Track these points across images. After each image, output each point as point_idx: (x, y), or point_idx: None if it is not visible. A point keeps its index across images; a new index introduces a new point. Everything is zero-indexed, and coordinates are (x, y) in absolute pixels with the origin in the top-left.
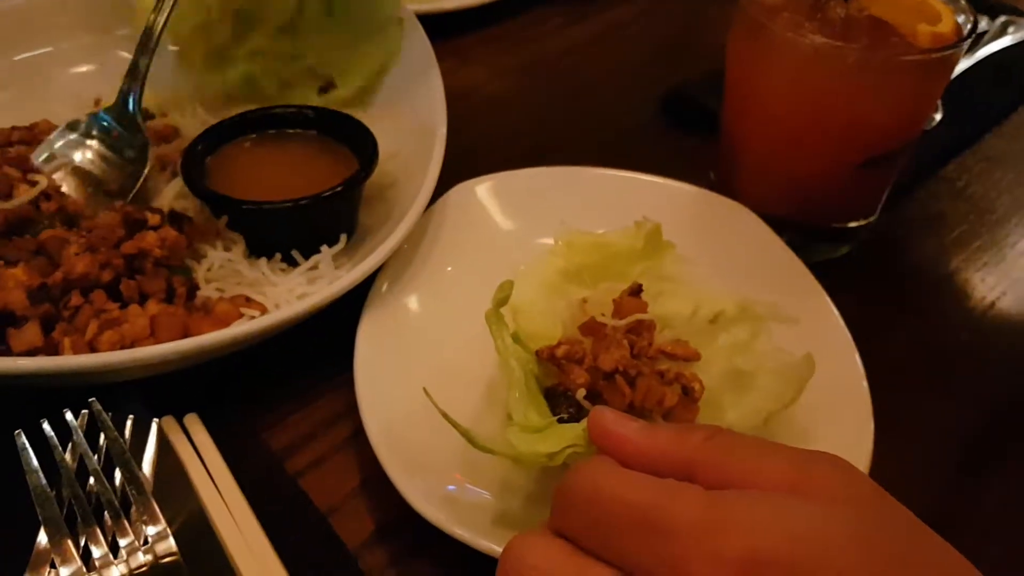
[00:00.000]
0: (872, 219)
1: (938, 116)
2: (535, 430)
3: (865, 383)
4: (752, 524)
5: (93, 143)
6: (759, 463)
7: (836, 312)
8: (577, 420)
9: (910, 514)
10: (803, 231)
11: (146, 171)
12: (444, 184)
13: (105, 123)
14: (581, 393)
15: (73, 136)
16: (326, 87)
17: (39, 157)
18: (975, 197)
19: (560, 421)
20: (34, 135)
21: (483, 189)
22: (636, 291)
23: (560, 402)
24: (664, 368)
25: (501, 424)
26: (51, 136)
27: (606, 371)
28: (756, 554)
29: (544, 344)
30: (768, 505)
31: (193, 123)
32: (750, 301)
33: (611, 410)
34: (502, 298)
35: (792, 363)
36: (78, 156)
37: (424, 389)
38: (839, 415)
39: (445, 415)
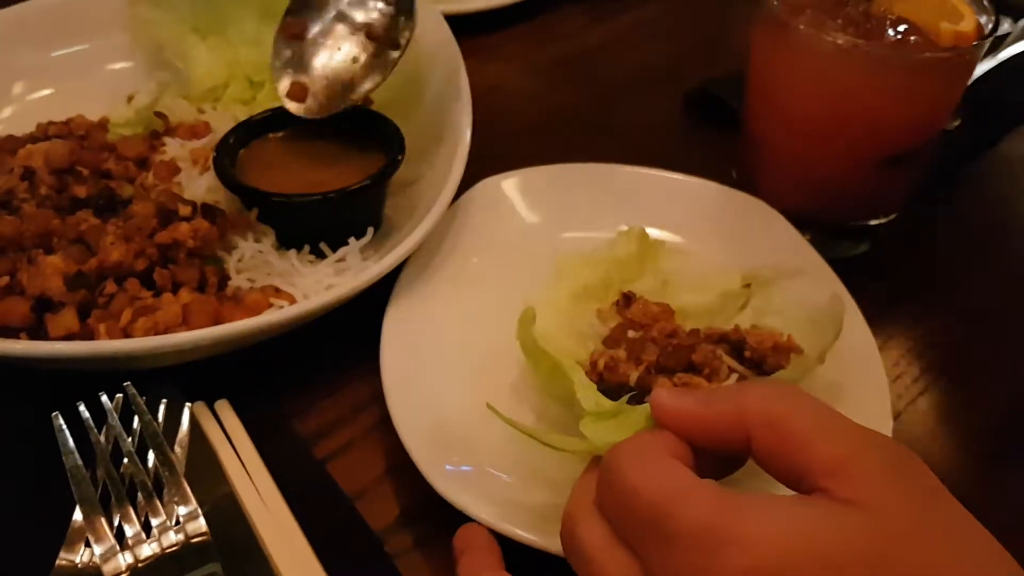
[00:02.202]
0: (892, 218)
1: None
2: (610, 415)
3: (885, 377)
4: (755, 538)
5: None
6: (810, 438)
7: (856, 307)
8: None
9: (962, 515)
10: (823, 228)
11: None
12: (468, 180)
13: None
14: (634, 377)
15: None
16: None
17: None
18: (995, 197)
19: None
20: (70, 130)
21: (509, 184)
22: (628, 301)
23: (619, 393)
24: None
25: (537, 417)
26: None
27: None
28: (755, 571)
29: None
30: (778, 517)
31: (225, 119)
32: (754, 269)
33: (669, 387)
34: (527, 320)
35: (821, 308)
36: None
37: (488, 404)
38: (858, 408)
39: (511, 422)
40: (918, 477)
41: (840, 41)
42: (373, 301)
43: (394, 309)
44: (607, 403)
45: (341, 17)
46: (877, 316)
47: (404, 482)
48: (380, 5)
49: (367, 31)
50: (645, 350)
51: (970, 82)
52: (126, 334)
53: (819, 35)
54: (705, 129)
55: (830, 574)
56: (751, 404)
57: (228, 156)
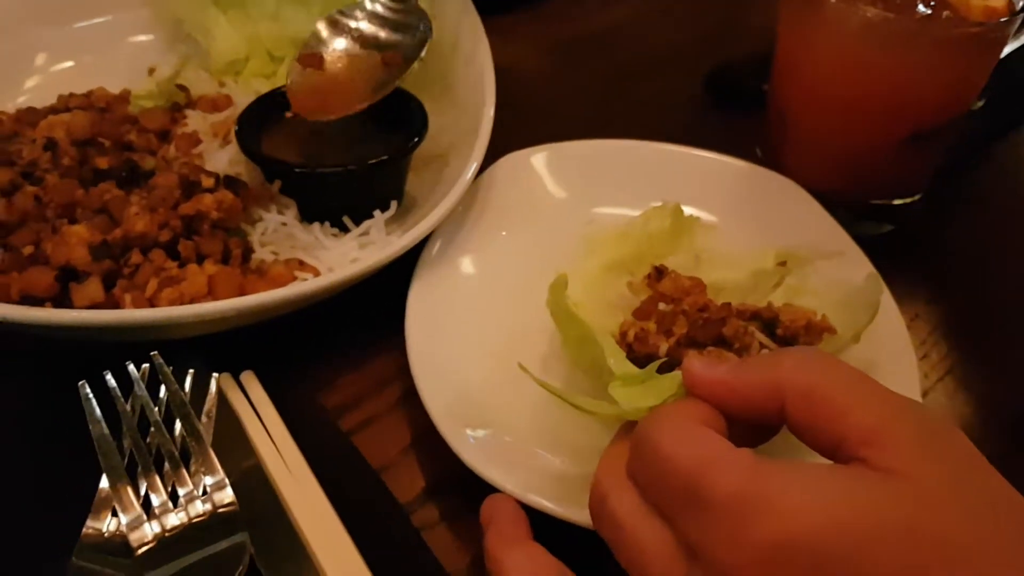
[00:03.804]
0: (916, 198)
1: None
2: (639, 381)
3: (914, 356)
4: (792, 508)
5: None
6: (846, 407)
7: (885, 286)
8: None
9: (999, 482)
10: (847, 207)
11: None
12: (490, 158)
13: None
14: (663, 349)
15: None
16: None
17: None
18: (1019, 178)
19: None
20: (91, 102)
21: (537, 159)
22: (660, 274)
23: (642, 363)
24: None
25: (566, 385)
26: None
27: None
28: (785, 541)
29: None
30: (812, 484)
31: (246, 92)
32: (791, 248)
33: (701, 356)
34: (559, 286)
35: (857, 288)
36: (380, 31)
37: (520, 364)
38: (886, 381)
39: (545, 384)
40: (956, 445)
41: (870, 14)
42: (398, 275)
43: (419, 283)
44: (636, 370)
45: (357, 43)
46: (901, 296)
47: (430, 455)
48: (396, 24)
49: (383, 59)
50: (676, 323)
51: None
52: (151, 304)
53: (849, 7)
54: (726, 109)
55: (869, 544)
56: (785, 373)
57: (250, 128)
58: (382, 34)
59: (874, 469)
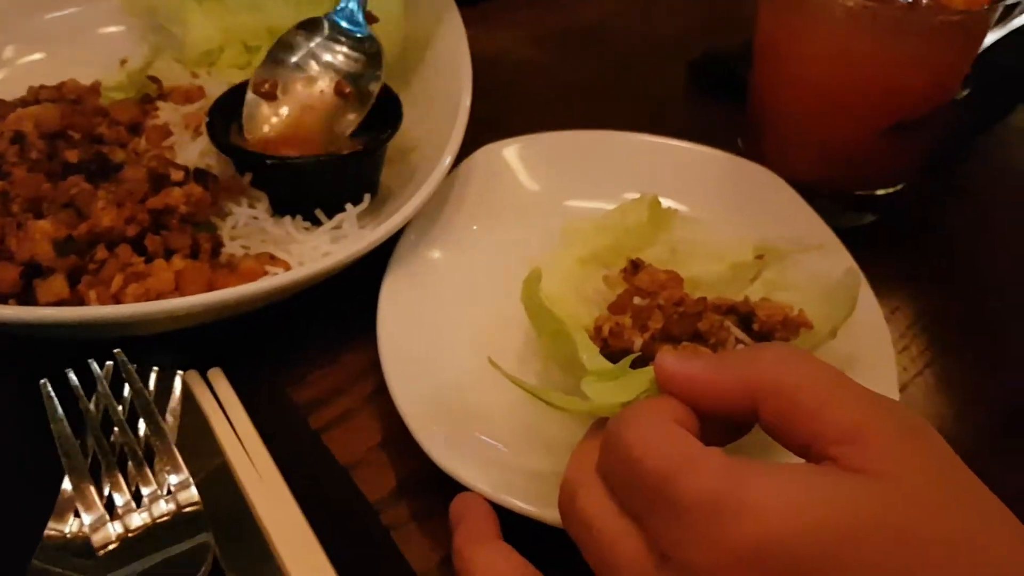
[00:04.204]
0: (899, 188)
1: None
2: (612, 377)
3: (891, 350)
4: (764, 508)
5: (340, 47)
6: (819, 405)
7: (864, 279)
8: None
9: (975, 484)
10: (830, 198)
11: (382, 79)
12: (471, 149)
13: (342, 24)
14: (638, 344)
15: (319, 39)
16: None
17: (294, 53)
18: (1004, 169)
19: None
20: (61, 94)
21: (511, 151)
22: (636, 268)
23: (617, 358)
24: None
25: (540, 384)
26: (293, 35)
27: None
28: (759, 543)
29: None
30: (787, 484)
31: (220, 83)
32: (769, 240)
33: (674, 351)
34: (533, 281)
35: (835, 282)
36: (334, 57)
37: (490, 359)
38: (863, 381)
39: (515, 380)
40: (931, 444)
41: (851, 3)
42: (371, 269)
43: (392, 277)
44: (610, 365)
45: (311, 70)
46: (882, 288)
47: (401, 452)
48: (350, 55)
49: (336, 88)
50: (651, 317)
51: (980, 50)
52: (117, 300)
53: None
54: (709, 99)
55: (847, 546)
56: (759, 370)
57: (222, 119)
58: (330, 69)
59: (848, 469)
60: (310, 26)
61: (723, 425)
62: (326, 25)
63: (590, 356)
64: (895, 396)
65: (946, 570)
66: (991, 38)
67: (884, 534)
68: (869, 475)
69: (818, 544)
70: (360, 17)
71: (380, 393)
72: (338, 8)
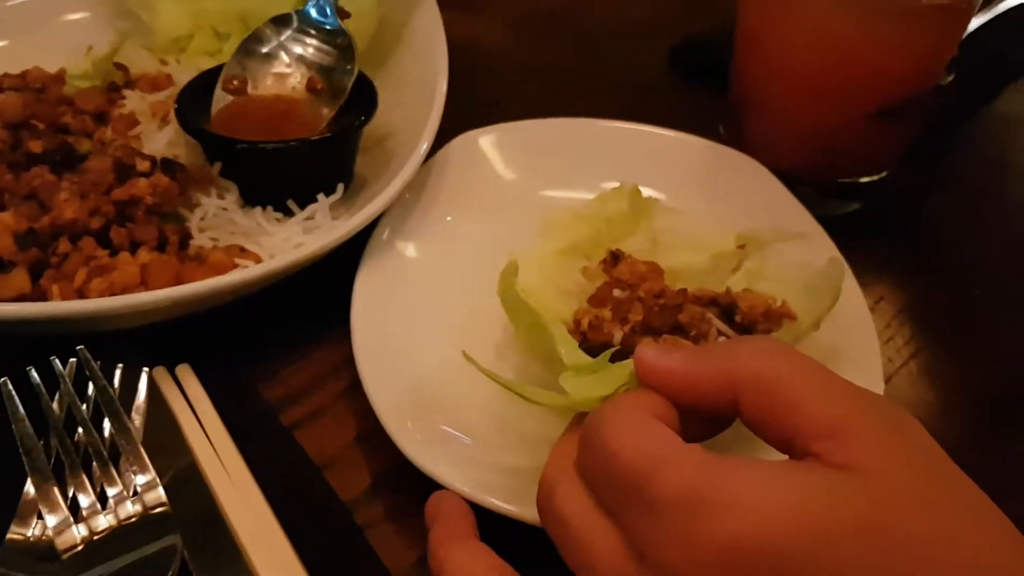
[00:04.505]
0: (883, 175)
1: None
2: (590, 371)
3: (876, 340)
4: (742, 506)
5: (311, 41)
6: (800, 399)
7: (848, 268)
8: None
9: (961, 479)
10: (813, 186)
11: (355, 73)
12: (447, 136)
13: (313, 17)
14: (618, 337)
15: (290, 32)
16: None
17: (265, 47)
18: (990, 154)
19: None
20: (25, 83)
21: (487, 140)
22: (615, 259)
23: (596, 352)
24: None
25: (520, 375)
26: (265, 29)
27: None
28: (739, 542)
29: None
30: (765, 481)
31: (189, 71)
32: (751, 230)
33: (653, 344)
34: (510, 273)
35: (818, 272)
36: (305, 51)
37: (464, 353)
38: (848, 372)
39: (490, 374)
40: (916, 439)
41: None
42: (344, 262)
43: (366, 269)
44: (588, 359)
45: (282, 66)
46: (867, 277)
47: (376, 450)
48: (322, 49)
49: (308, 84)
50: (631, 310)
51: (965, 35)
52: (80, 295)
53: None
54: (691, 85)
55: (826, 545)
56: (740, 363)
57: (191, 105)
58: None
59: (830, 464)
60: (281, 21)
61: (704, 419)
62: (295, 19)
63: (568, 350)
64: (880, 387)
65: (928, 570)
66: (976, 22)
67: (864, 533)
68: (851, 471)
69: (796, 544)
70: (330, 11)
71: (354, 389)
72: (310, 2)
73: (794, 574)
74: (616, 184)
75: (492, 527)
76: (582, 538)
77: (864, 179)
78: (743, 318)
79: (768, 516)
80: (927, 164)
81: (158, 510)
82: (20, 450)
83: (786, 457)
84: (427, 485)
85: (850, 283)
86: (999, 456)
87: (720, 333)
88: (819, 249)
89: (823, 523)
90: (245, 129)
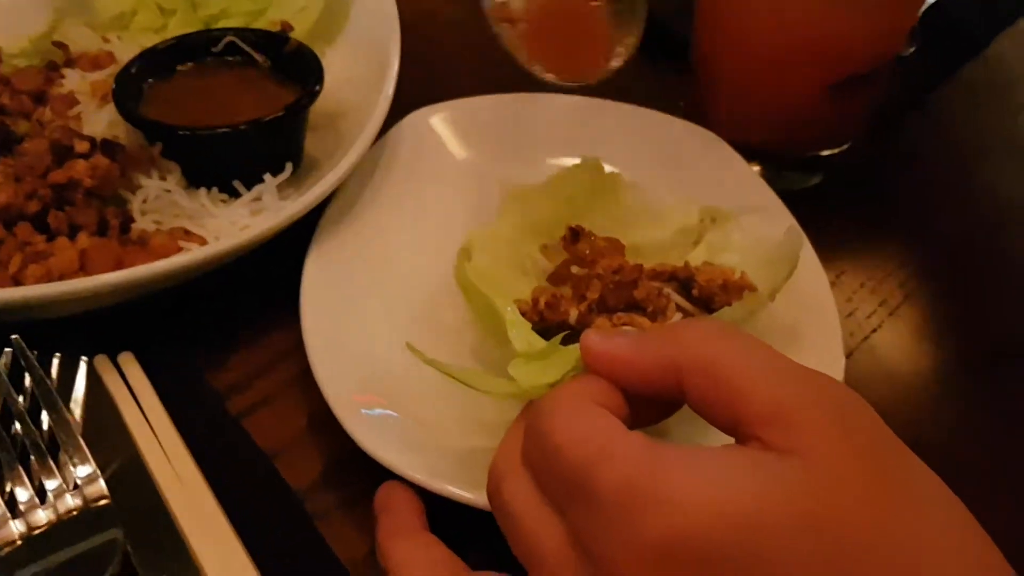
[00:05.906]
0: (845, 148)
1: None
2: (541, 357)
3: (836, 314)
4: (679, 500)
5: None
6: (744, 382)
7: (807, 242)
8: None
9: (916, 467)
10: (774, 160)
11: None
12: (400, 114)
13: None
14: (574, 316)
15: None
16: None
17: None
18: (952, 127)
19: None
20: None
21: (439, 118)
22: (575, 236)
23: (553, 333)
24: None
25: (477, 363)
26: None
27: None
28: (674, 538)
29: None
30: (704, 471)
31: (131, 48)
32: (712, 205)
33: (598, 329)
34: (465, 254)
35: (777, 243)
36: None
37: (408, 344)
38: (809, 347)
39: (434, 363)
40: (866, 425)
41: None
42: (293, 244)
43: (316, 252)
44: (539, 343)
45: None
46: (829, 250)
47: (327, 438)
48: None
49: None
50: (589, 287)
51: (926, 5)
52: (16, 282)
53: None
54: (651, 60)
55: (766, 539)
56: (683, 347)
57: (130, 87)
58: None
59: (773, 450)
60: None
61: (652, 404)
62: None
63: (518, 334)
64: (841, 362)
65: (869, 565)
66: None
67: (807, 525)
68: (795, 456)
69: (731, 538)
70: None
71: (304, 376)
72: None
73: (732, 568)
74: (575, 160)
75: (449, 513)
76: (528, 531)
77: (825, 152)
78: (700, 291)
79: (700, 509)
80: (889, 137)
81: (99, 503)
82: None
83: (732, 440)
84: (380, 473)
85: (811, 257)
86: (959, 431)
87: (679, 308)
88: (780, 223)
89: (760, 516)
90: (194, 109)
